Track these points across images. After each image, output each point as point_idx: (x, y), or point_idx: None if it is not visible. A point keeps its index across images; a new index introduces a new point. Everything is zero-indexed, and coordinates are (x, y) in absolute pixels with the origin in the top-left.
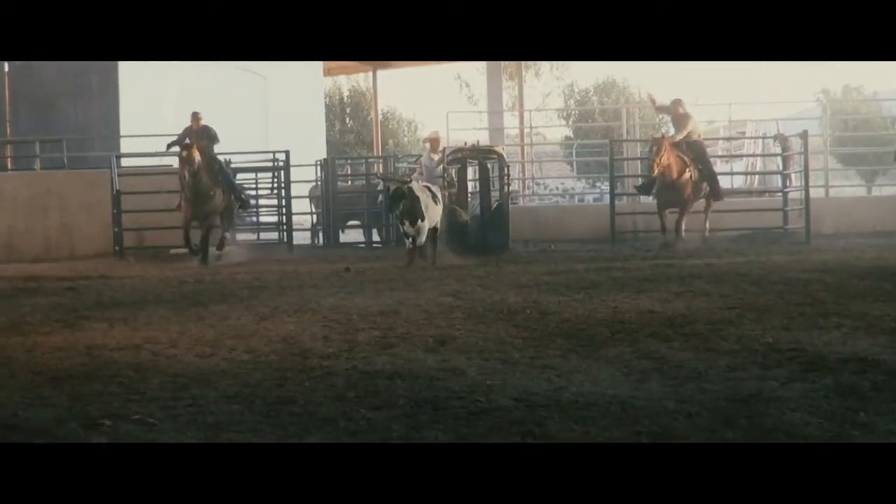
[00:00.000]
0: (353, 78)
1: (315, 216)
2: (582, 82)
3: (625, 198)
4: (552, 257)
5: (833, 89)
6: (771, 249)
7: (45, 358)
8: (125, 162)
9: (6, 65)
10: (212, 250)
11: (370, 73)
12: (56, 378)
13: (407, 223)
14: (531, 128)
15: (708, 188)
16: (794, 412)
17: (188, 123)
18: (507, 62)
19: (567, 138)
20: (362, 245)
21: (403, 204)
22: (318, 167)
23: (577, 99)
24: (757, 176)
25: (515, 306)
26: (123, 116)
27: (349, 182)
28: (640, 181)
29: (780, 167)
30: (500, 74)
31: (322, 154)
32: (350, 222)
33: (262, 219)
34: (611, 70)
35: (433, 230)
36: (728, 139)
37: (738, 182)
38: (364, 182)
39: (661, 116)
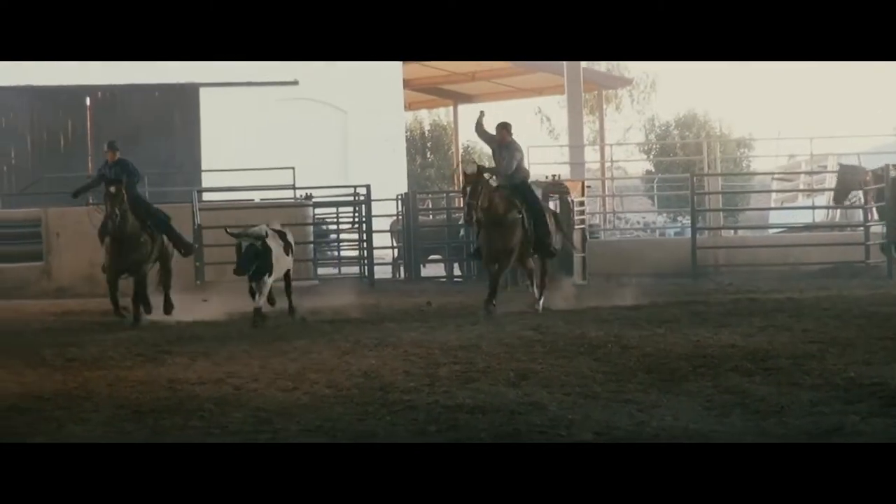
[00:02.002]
0: (434, 112)
1: (396, 250)
2: (662, 116)
3: (706, 232)
4: (635, 289)
5: None
6: (852, 283)
7: (128, 392)
8: (206, 196)
9: (88, 99)
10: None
11: (451, 108)
12: (138, 412)
13: (254, 283)
14: (612, 162)
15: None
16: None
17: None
18: (587, 95)
19: (648, 172)
20: (443, 279)
21: (257, 263)
22: (399, 201)
23: (657, 133)
24: (838, 210)
25: (597, 340)
26: (205, 151)
27: (430, 216)
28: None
29: (862, 201)
30: (580, 108)
31: (403, 188)
32: (431, 256)
33: (343, 253)
34: (691, 104)
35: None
36: (810, 173)
37: (820, 216)
38: (445, 216)
39: (741, 151)
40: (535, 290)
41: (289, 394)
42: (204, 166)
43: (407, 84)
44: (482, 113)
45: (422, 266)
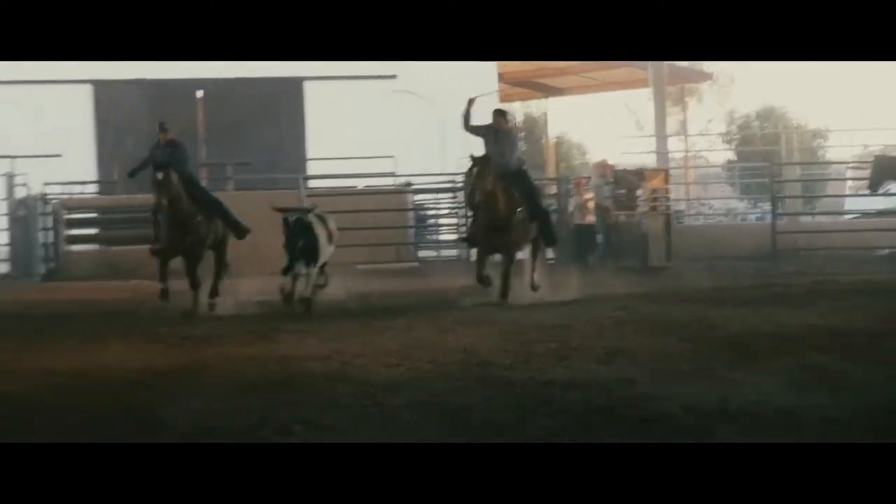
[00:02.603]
0: (526, 104)
1: None
2: (742, 108)
3: (785, 217)
4: (718, 271)
5: None
6: None
7: (241, 367)
8: (311, 183)
9: (199, 91)
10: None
11: (542, 100)
12: (252, 387)
13: (297, 263)
14: (695, 152)
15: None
16: None
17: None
18: (671, 89)
19: (729, 161)
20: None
21: (304, 241)
22: None
23: (738, 124)
24: None
25: (683, 320)
26: (309, 140)
27: None
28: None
29: None
30: (664, 101)
31: None
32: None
33: (442, 237)
34: (769, 97)
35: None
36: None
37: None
38: None
39: (817, 141)
40: (530, 273)
41: (393, 369)
42: (309, 155)
43: (501, 77)
44: (470, 102)
45: None
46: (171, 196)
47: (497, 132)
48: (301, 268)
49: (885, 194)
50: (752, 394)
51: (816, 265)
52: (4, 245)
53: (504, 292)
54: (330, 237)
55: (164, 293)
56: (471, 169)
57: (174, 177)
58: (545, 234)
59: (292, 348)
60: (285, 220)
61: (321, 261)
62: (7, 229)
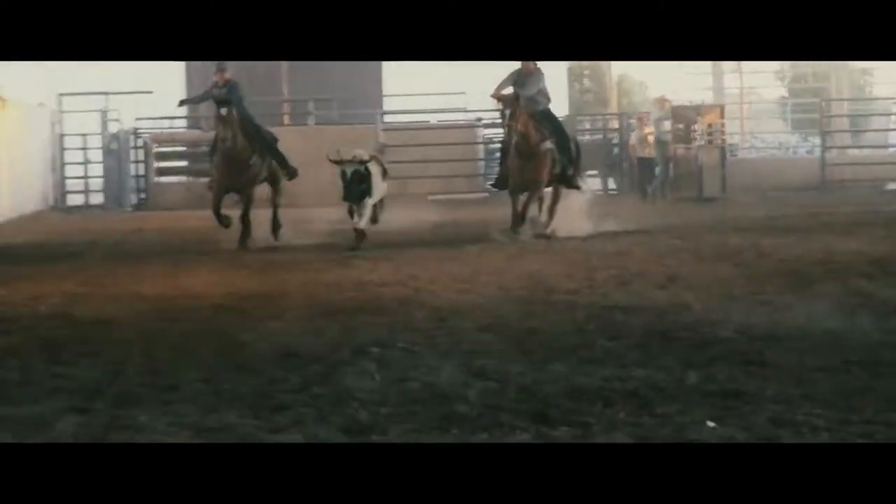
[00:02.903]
0: None
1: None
2: None
3: (833, 150)
4: (770, 202)
5: None
6: None
7: (320, 292)
8: (388, 118)
9: None
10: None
11: None
12: (330, 310)
13: (355, 206)
14: (749, 88)
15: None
16: None
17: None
18: None
19: (782, 97)
20: (600, 192)
21: (362, 187)
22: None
23: (791, 61)
24: None
25: (736, 247)
26: (385, 78)
27: (588, 136)
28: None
29: None
30: None
31: (564, 112)
32: (588, 171)
33: None
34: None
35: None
36: None
37: None
38: (601, 136)
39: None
40: (546, 217)
41: (463, 294)
42: (385, 92)
43: None
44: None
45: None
46: (231, 134)
47: (526, 75)
48: (358, 210)
49: None
50: (800, 317)
51: (862, 196)
52: (98, 177)
53: (515, 222)
54: (384, 173)
55: (220, 219)
56: (502, 112)
57: (234, 115)
58: (567, 177)
59: (367, 274)
60: (343, 173)
61: (375, 199)
62: (101, 162)
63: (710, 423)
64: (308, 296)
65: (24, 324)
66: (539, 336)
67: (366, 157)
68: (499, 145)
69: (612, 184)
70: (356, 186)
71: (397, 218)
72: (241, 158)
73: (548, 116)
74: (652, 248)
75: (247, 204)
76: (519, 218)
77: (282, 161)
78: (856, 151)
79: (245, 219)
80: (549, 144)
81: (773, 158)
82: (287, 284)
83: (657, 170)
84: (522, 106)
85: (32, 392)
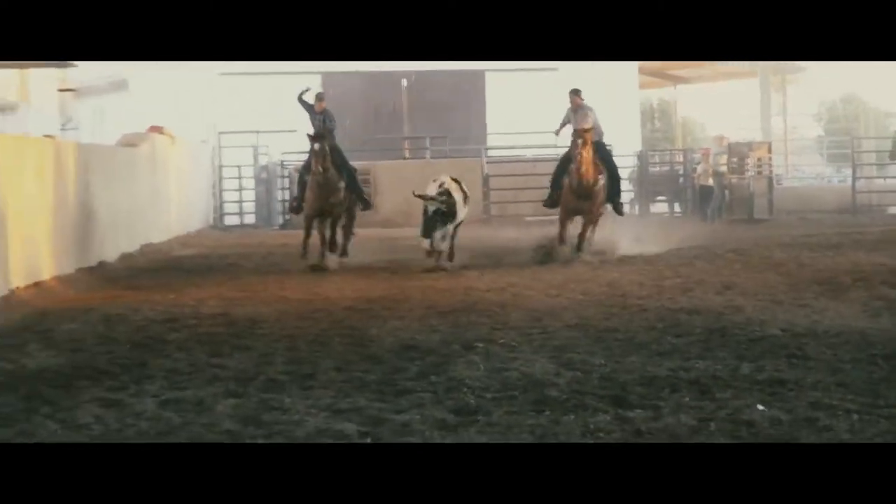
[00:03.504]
0: (660, 91)
1: (633, 193)
2: (830, 94)
3: (862, 180)
4: (809, 222)
5: None
6: None
7: (435, 296)
8: (491, 153)
9: (404, 81)
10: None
11: (673, 88)
12: (442, 312)
13: (436, 236)
14: (792, 128)
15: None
16: None
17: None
18: (773, 78)
19: (819, 136)
20: (666, 214)
21: (438, 223)
22: (636, 157)
23: (826, 106)
24: None
25: (780, 260)
26: (489, 118)
27: (658, 168)
28: (546, 195)
29: None
30: (769, 88)
31: (638, 147)
32: (658, 197)
33: None
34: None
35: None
36: None
37: None
38: (669, 168)
39: (889, 119)
40: (580, 241)
41: (554, 299)
42: (489, 131)
43: (640, 69)
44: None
45: (650, 204)
46: (323, 165)
47: (575, 109)
48: (435, 239)
49: None
50: (834, 318)
51: (887, 219)
52: (250, 201)
53: (580, 246)
54: (465, 198)
55: (305, 249)
56: (575, 141)
57: (326, 148)
58: (616, 205)
59: (474, 282)
60: (425, 209)
61: (458, 220)
62: (253, 189)
63: (760, 406)
64: (424, 299)
65: (189, 323)
66: (616, 333)
67: (449, 188)
68: None
69: (677, 208)
70: (434, 223)
71: (500, 235)
72: (330, 186)
73: (601, 148)
74: (710, 261)
75: (333, 227)
76: (563, 239)
77: (360, 193)
78: (881, 181)
79: (332, 240)
80: (602, 181)
81: (811, 187)
82: (406, 290)
83: (715, 196)
84: (578, 138)
85: (196, 379)
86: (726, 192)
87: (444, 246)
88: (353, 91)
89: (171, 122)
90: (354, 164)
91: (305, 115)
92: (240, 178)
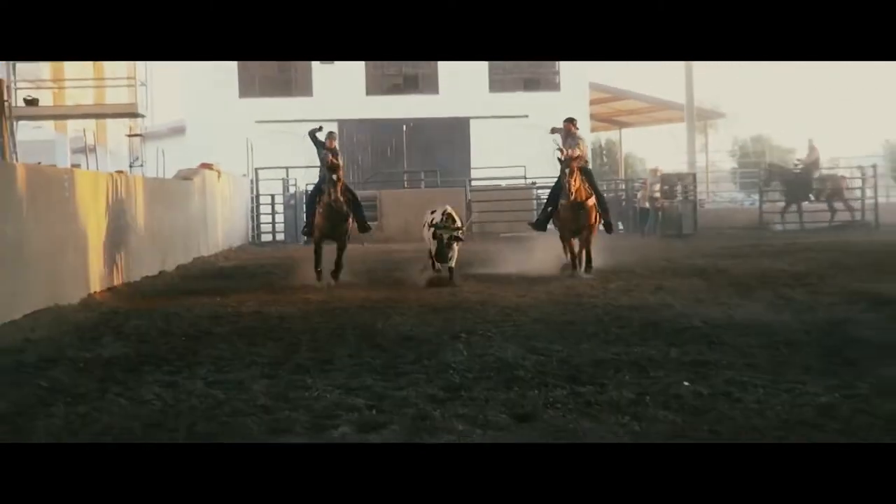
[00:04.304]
0: (608, 133)
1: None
2: (742, 134)
3: (767, 203)
4: (725, 237)
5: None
6: (854, 233)
7: (428, 297)
8: (474, 183)
9: (404, 126)
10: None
11: (618, 131)
12: (434, 309)
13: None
14: (712, 162)
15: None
16: (868, 329)
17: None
18: (698, 123)
19: (733, 168)
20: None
21: (452, 249)
22: None
23: (739, 143)
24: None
25: (703, 267)
26: (473, 156)
27: (605, 195)
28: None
29: (862, 184)
30: (694, 130)
31: None
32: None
33: None
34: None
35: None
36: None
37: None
38: (614, 194)
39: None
40: (575, 259)
41: (522, 298)
42: (472, 165)
43: (592, 116)
44: (553, 130)
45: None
46: (335, 194)
47: (569, 136)
48: (444, 264)
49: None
50: (745, 312)
51: (788, 234)
52: (281, 222)
53: (588, 265)
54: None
55: (320, 274)
56: (563, 170)
57: (342, 179)
58: (607, 223)
59: (460, 286)
60: (441, 237)
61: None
62: (282, 212)
63: (686, 383)
64: (419, 299)
65: (231, 319)
66: (572, 325)
67: (452, 214)
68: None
69: (621, 226)
70: (449, 248)
71: (482, 248)
72: (341, 213)
73: (589, 174)
74: (647, 268)
75: (341, 249)
76: (576, 258)
77: (361, 217)
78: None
79: (339, 261)
80: (593, 200)
81: (727, 208)
82: (404, 293)
83: (651, 216)
84: (566, 162)
85: (237, 364)
86: (660, 213)
87: (453, 262)
88: (364, 134)
89: (218, 159)
90: (366, 192)
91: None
92: (272, 204)
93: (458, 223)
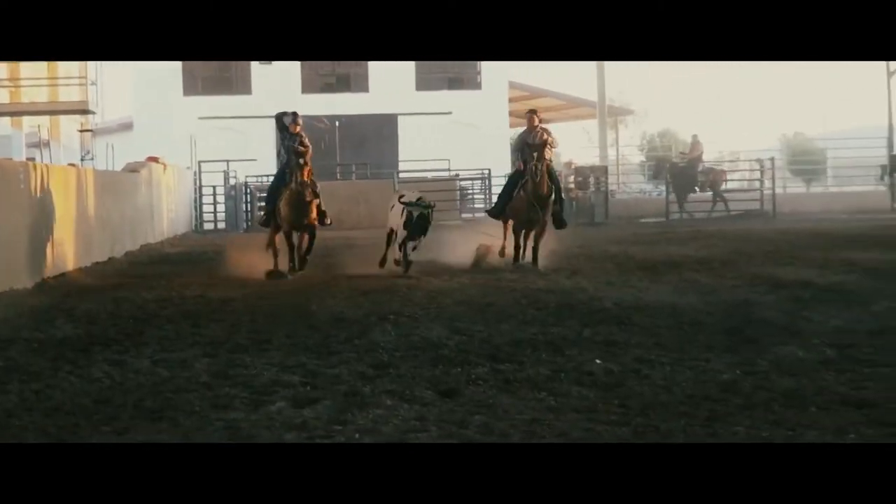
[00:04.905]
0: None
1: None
2: (650, 130)
3: (673, 194)
4: (634, 225)
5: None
6: (753, 222)
7: (358, 283)
8: (401, 175)
9: (337, 122)
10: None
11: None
12: (364, 292)
13: (412, 242)
14: (623, 155)
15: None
16: (768, 310)
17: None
18: (610, 119)
19: (642, 161)
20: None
21: (424, 227)
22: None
23: (647, 138)
24: (747, 182)
25: (614, 253)
26: (401, 149)
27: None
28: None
29: (761, 176)
30: (605, 126)
31: (509, 171)
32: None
33: (477, 206)
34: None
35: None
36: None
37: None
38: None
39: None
40: (525, 252)
41: (447, 282)
42: (400, 158)
43: (511, 113)
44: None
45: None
46: (303, 180)
47: (532, 129)
48: (410, 246)
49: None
50: (653, 295)
51: (693, 222)
52: (222, 212)
53: (535, 259)
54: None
55: (278, 265)
56: (531, 153)
57: (309, 165)
58: (556, 220)
59: (390, 272)
60: (409, 214)
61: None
62: (224, 203)
63: (598, 361)
64: (350, 283)
65: (176, 302)
66: (493, 307)
67: (431, 204)
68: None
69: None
70: (422, 226)
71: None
72: (308, 201)
73: (550, 170)
74: (562, 254)
75: (311, 238)
76: (520, 250)
77: (321, 210)
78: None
79: (307, 252)
80: (552, 195)
81: (636, 199)
82: (337, 279)
83: (565, 206)
84: (534, 151)
85: (181, 344)
86: (574, 203)
87: (413, 252)
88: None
89: (164, 153)
90: None
91: (265, 146)
92: (214, 195)
93: (432, 204)
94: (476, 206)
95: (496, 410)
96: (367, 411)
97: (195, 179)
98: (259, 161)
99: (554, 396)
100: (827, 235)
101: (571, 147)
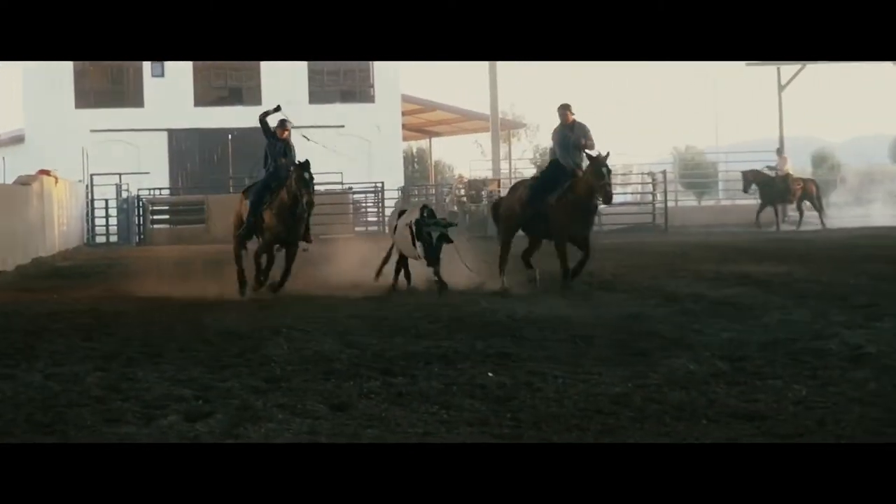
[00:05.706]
0: (418, 142)
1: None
2: (543, 143)
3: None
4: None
5: (679, 146)
6: (645, 235)
7: (251, 296)
8: None
9: (230, 136)
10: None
11: (428, 140)
12: (258, 306)
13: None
14: (515, 168)
15: None
16: (660, 323)
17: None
18: (503, 133)
19: (534, 175)
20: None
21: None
22: (399, 191)
23: (540, 152)
24: (640, 195)
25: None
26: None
27: (416, 198)
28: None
29: (653, 189)
30: (499, 139)
31: (402, 183)
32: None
33: (370, 219)
34: None
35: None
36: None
37: (629, 198)
38: (424, 198)
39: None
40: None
41: (339, 295)
42: None
43: (403, 126)
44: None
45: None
46: (294, 191)
47: (572, 125)
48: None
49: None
50: (545, 307)
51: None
52: (115, 225)
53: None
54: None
55: (254, 281)
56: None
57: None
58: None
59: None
60: (428, 235)
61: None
62: (116, 216)
63: (490, 374)
64: (244, 298)
65: (67, 316)
66: (386, 321)
67: (450, 223)
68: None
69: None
70: (439, 247)
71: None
72: (298, 213)
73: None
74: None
75: (293, 258)
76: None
77: (308, 227)
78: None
79: (288, 273)
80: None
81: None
82: (233, 290)
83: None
84: (601, 161)
85: (72, 358)
86: (467, 216)
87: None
88: (192, 143)
89: (56, 166)
90: (194, 196)
91: (157, 159)
92: (106, 208)
93: (445, 219)
94: (370, 219)
95: (388, 424)
96: (259, 425)
97: (87, 192)
98: (152, 174)
99: (446, 409)
100: (718, 248)
101: (464, 160)
